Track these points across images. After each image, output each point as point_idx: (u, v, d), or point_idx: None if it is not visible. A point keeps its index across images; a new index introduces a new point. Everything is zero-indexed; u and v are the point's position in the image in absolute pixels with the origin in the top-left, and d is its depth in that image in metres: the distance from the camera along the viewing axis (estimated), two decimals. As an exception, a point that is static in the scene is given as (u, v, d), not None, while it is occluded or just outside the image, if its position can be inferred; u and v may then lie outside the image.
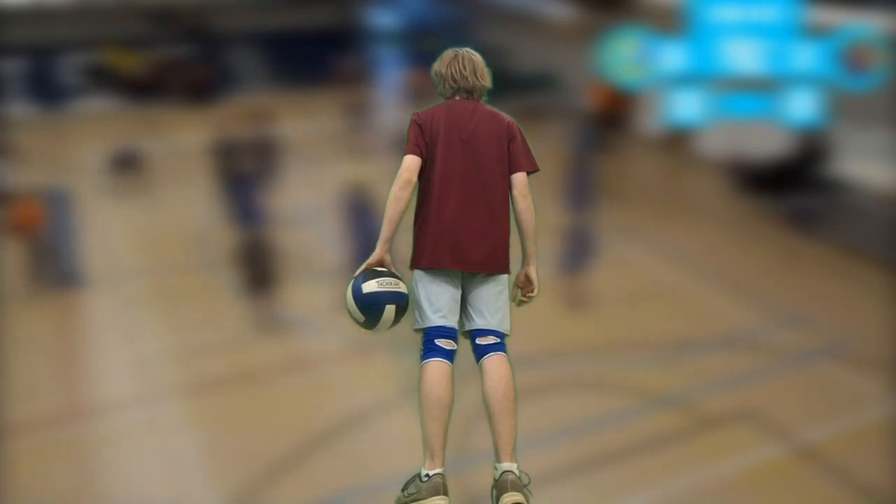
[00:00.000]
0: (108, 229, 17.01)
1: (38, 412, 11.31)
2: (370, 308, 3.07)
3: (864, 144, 15.96)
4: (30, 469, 10.02)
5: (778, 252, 15.98)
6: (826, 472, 10.00)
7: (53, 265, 14.34)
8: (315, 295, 13.22)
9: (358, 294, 3.08)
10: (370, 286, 3.08)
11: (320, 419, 11.00)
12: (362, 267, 3.13)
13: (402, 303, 3.10)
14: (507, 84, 19.95)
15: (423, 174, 3.17)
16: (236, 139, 17.94)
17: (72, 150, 21.93)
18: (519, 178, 3.21)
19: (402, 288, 3.11)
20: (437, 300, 3.13)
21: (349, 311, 3.10)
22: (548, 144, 16.71)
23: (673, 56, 13.09)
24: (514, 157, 3.22)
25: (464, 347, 3.17)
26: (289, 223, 17.24)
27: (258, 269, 12.91)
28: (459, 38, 23.12)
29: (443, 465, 2.99)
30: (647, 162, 21.74)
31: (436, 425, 2.99)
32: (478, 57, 3.32)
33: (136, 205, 17.72)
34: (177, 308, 14.12)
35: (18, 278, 14.24)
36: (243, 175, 16.88)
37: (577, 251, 13.54)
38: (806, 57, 12.84)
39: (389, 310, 3.07)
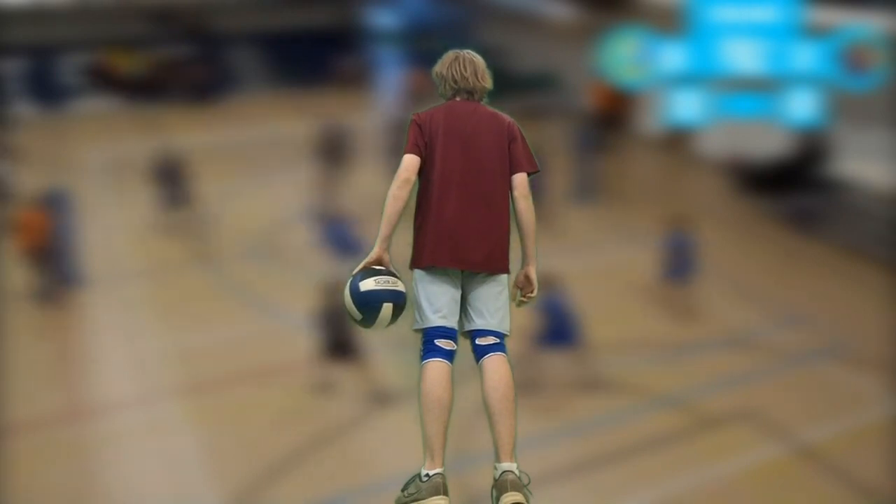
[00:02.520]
0: (108, 229, 17.03)
1: (38, 412, 11.30)
2: (367, 306, 3.08)
3: (864, 144, 15.96)
4: (30, 469, 10.02)
5: (778, 252, 15.98)
6: (826, 472, 9.99)
7: (55, 268, 14.33)
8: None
9: (355, 292, 3.08)
10: (367, 284, 3.08)
11: (320, 419, 11.00)
12: (360, 265, 3.14)
13: (400, 301, 3.10)
14: (507, 84, 19.91)
15: (423, 174, 3.17)
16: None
17: (72, 150, 21.95)
18: (519, 179, 3.21)
19: (400, 286, 3.11)
20: (436, 300, 3.13)
21: (346, 309, 3.11)
22: (548, 144, 16.71)
23: (673, 56, 13.10)
24: (515, 158, 3.22)
25: (464, 347, 3.17)
26: (286, 224, 17.26)
27: (338, 334, 10.87)
28: (459, 38, 23.14)
29: (443, 465, 2.99)
30: (647, 162, 21.75)
31: (436, 425, 2.99)
32: (479, 58, 3.33)
33: (136, 204, 17.71)
34: (177, 308, 14.13)
35: (19, 279, 14.23)
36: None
37: None
38: (806, 57, 12.84)
39: (386, 308, 3.08)
